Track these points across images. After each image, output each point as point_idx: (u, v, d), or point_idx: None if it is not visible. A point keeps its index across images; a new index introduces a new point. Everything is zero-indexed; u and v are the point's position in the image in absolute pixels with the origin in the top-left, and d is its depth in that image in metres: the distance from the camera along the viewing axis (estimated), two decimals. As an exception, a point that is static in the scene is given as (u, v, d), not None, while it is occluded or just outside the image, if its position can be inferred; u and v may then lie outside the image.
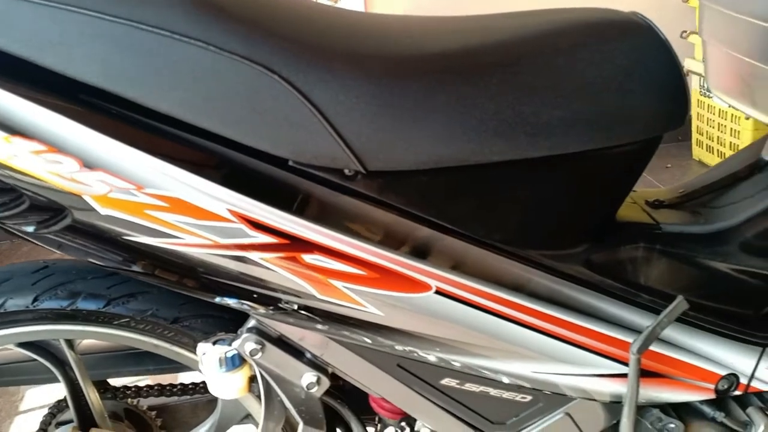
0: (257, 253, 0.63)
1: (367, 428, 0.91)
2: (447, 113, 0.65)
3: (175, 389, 0.97)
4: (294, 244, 0.64)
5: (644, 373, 0.80)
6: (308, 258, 0.64)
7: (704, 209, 0.86)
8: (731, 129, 2.66)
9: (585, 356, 0.77)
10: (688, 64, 2.71)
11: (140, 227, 0.61)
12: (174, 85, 0.59)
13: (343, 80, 0.62)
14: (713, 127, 2.79)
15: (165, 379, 1.03)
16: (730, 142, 2.69)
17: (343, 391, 0.88)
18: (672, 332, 0.79)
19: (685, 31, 2.66)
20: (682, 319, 0.79)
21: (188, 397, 1.01)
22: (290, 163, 0.64)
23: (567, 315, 0.75)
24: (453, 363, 0.76)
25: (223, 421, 0.92)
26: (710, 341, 0.81)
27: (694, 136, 2.96)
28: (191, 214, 0.61)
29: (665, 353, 0.80)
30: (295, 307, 0.71)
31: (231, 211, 0.61)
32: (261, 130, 0.62)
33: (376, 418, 0.92)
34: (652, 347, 0.79)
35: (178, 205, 0.61)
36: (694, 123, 2.92)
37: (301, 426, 0.78)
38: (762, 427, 0.83)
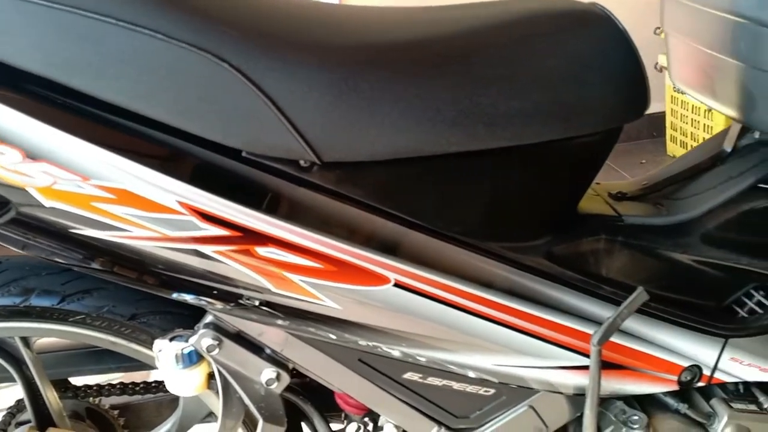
0: (209, 246, 0.62)
1: (335, 424, 0.91)
2: (403, 103, 0.64)
3: (138, 388, 0.95)
4: (247, 237, 0.63)
5: (607, 365, 0.80)
6: (262, 251, 0.63)
7: (667, 201, 0.86)
8: (704, 125, 2.69)
9: (547, 348, 0.76)
10: (661, 60, 2.73)
11: (87, 220, 0.60)
12: (120, 73, 0.58)
13: (296, 69, 0.61)
14: (687, 123, 2.81)
15: (128, 377, 1.01)
16: (703, 138, 2.71)
17: (308, 387, 0.88)
18: (634, 324, 0.79)
19: (659, 28, 2.68)
20: (644, 311, 0.79)
21: (152, 395, 0.99)
22: (244, 154, 0.63)
23: (528, 307, 0.74)
24: (415, 357, 0.75)
25: (185, 420, 0.90)
26: (672, 333, 0.81)
27: (668, 132, 2.98)
28: (139, 206, 0.59)
29: (628, 345, 0.79)
30: (256, 303, 0.69)
31: (181, 203, 0.60)
32: (212, 120, 0.60)
33: (343, 415, 0.91)
34: (615, 339, 0.79)
35: (125, 197, 0.59)
36: (668, 119, 2.94)
37: (260, 423, 0.76)
38: (725, 418, 0.83)
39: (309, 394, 0.87)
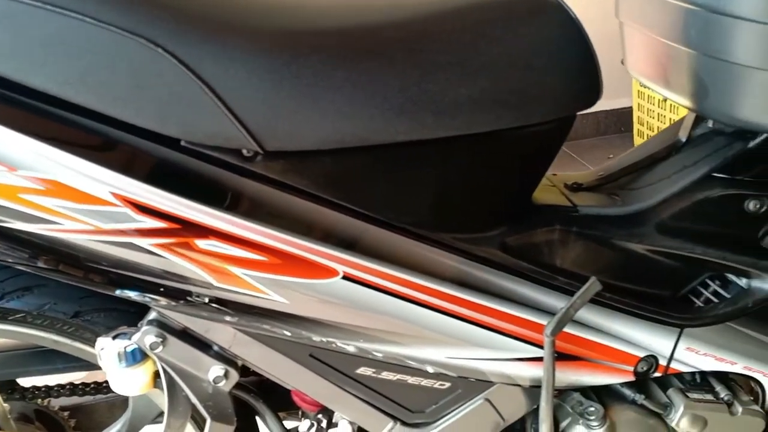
0: (145, 239, 0.60)
1: (294, 421, 0.89)
2: (348, 90, 0.62)
3: (88, 388, 0.92)
4: (187, 229, 0.60)
5: (563, 357, 0.79)
6: (203, 244, 0.61)
7: (622, 191, 0.86)
8: (670, 119, 2.71)
9: (501, 340, 0.75)
10: (628, 55, 2.74)
11: (14, 212, 0.57)
12: (48, 59, 0.55)
13: (234, 54, 0.59)
14: (653, 118, 2.84)
15: (81, 377, 0.98)
16: (670, 133, 2.73)
17: (263, 384, 0.86)
18: (590, 315, 0.78)
19: (625, 23, 2.69)
20: (600, 302, 0.79)
21: (103, 396, 0.97)
22: (182, 143, 0.61)
23: (482, 298, 0.73)
24: (369, 351, 0.74)
25: (135, 420, 0.88)
26: (628, 323, 0.80)
27: (636, 126, 3.00)
28: (70, 197, 0.57)
29: (583, 336, 0.79)
30: (206, 300, 0.67)
31: (114, 194, 0.58)
32: (146, 108, 0.58)
33: (300, 412, 0.89)
34: (570, 330, 0.78)
35: (55, 188, 0.56)
36: (635, 114, 2.97)
37: (209, 422, 0.74)
38: (681, 408, 0.83)
39: (263, 391, 0.85)
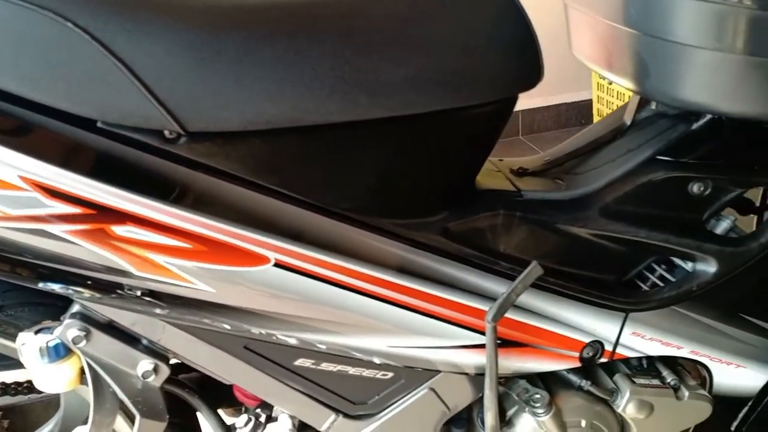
0: (58, 225, 0.56)
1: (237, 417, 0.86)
2: (276, 68, 0.60)
3: (21, 387, 0.88)
4: (102, 215, 0.57)
5: (508, 343, 0.78)
6: (120, 230, 0.58)
7: (567, 176, 0.85)
8: (628, 111, 2.74)
9: (444, 328, 0.73)
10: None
11: None
12: (-56, 33, 0.51)
13: (150, 29, 0.56)
14: (612, 109, 2.86)
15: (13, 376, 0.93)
16: (628, 124, 2.76)
17: (202, 378, 0.82)
18: (534, 300, 0.77)
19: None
20: (544, 287, 0.77)
21: (38, 396, 0.92)
22: (99, 124, 0.58)
23: (423, 285, 0.71)
24: (305, 342, 0.71)
25: (68, 420, 0.84)
26: (573, 308, 0.79)
27: (596, 118, 3.03)
28: (-27, 181, 0.53)
29: (528, 322, 0.77)
30: (138, 293, 0.64)
31: (23, 178, 0.54)
32: (58, 87, 0.55)
33: (243, 408, 0.86)
34: (514, 316, 0.76)
35: (-44, 172, 0.53)
36: (595, 106, 2.99)
37: (138, 419, 0.71)
38: (628, 394, 0.82)
39: (204, 386, 0.82)
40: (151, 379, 0.69)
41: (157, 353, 0.70)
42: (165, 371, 0.70)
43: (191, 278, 0.61)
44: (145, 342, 0.70)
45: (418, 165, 0.71)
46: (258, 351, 0.71)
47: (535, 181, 0.84)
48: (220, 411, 0.86)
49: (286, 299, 0.66)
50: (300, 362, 0.73)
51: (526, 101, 3.01)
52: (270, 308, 0.67)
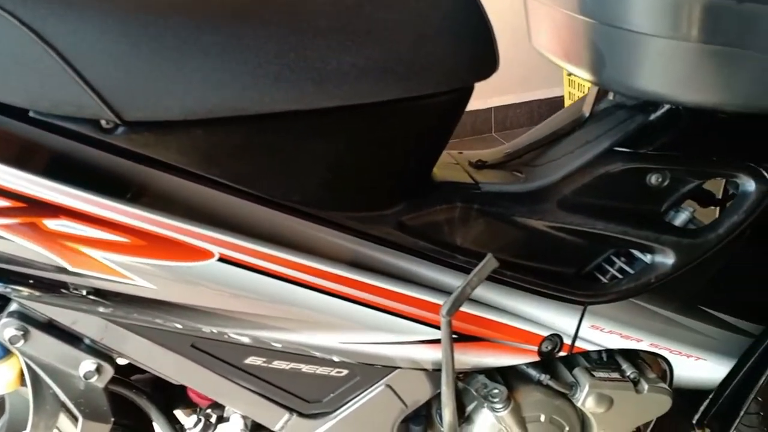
0: (-16, 219, 0.54)
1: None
2: (217, 55, 0.57)
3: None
4: (33, 208, 0.55)
5: (465, 338, 0.77)
6: (52, 224, 0.55)
7: (526, 168, 0.83)
8: (598, 106, 2.75)
9: (398, 323, 0.72)
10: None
11: None
12: None
13: (83, 14, 0.53)
14: (583, 106, 2.87)
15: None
16: (598, 120, 2.77)
17: (154, 378, 0.80)
18: (491, 294, 0.76)
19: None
20: (501, 280, 0.76)
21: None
22: (31, 113, 0.55)
23: (377, 280, 0.70)
24: (256, 340, 0.69)
25: (15, 422, 0.81)
26: (531, 302, 0.78)
27: (567, 115, 3.03)
28: None
29: (485, 316, 0.76)
30: (84, 293, 0.62)
31: (-54, 170, 0.51)
32: None
33: (198, 409, 0.84)
34: (471, 310, 0.75)
35: None
36: (566, 102, 3.00)
37: (81, 421, 0.68)
38: (587, 388, 0.82)
39: (154, 386, 0.80)
40: (93, 379, 0.67)
41: (101, 353, 0.68)
42: (109, 371, 0.68)
43: (130, 274, 0.59)
44: (87, 341, 0.67)
45: (370, 156, 0.69)
46: (206, 349, 0.69)
47: (493, 174, 0.82)
48: (178, 412, 0.84)
49: (233, 295, 0.64)
50: (251, 360, 0.71)
51: (498, 98, 3.02)
52: (216, 305, 0.65)
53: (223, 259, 0.62)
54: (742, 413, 0.88)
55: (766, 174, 0.81)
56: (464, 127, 2.90)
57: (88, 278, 0.59)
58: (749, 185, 0.82)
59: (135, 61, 0.55)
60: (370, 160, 0.70)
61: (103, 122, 0.57)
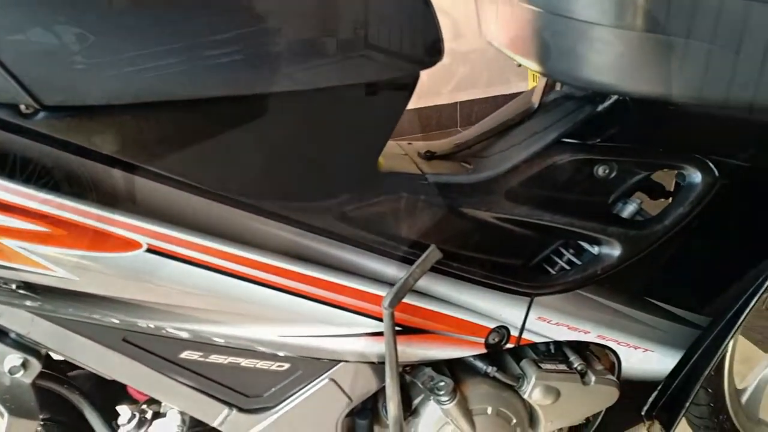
0: None
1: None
2: (144, 37, 0.55)
3: None
4: (-58, 196, 0.52)
5: (410, 330, 0.75)
6: (-36, 212, 0.53)
7: (474, 159, 0.82)
8: (563, 101, 2.76)
9: (340, 315, 0.70)
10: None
11: None
12: None
13: (-5, -7, 0.50)
14: (548, 100, 2.88)
15: None
16: (563, 114, 2.78)
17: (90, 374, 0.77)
18: (436, 286, 0.75)
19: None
20: (447, 272, 0.75)
21: None
22: (-58, 97, 0.52)
23: (317, 272, 0.68)
24: (191, 333, 0.67)
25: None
26: (477, 294, 0.77)
27: (533, 109, 3.04)
28: None
29: (430, 308, 0.75)
30: (13, 285, 0.59)
31: None
32: None
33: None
34: (417, 302, 0.74)
35: None
36: (533, 97, 3.00)
37: (6, 417, 0.66)
38: (533, 380, 0.81)
39: (90, 381, 0.77)
40: (19, 374, 0.64)
41: (27, 347, 0.65)
42: (36, 367, 0.65)
43: (50, 265, 0.56)
44: (13, 335, 0.64)
45: (310, 145, 0.68)
46: (139, 344, 0.67)
47: (441, 165, 0.81)
48: (122, 408, 0.81)
49: (165, 288, 0.62)
50: (186, 355, 0.69)
51: (464, 93, 3.01)
52: (147, 298, 0.63)
53: (151, 250, 0.59)
54: (688, 404, 0.88)
55: (712, 165, 0.81)
56: (429, 122, 2.89)
57: (4, 270, 0.56)
58: (696, 177, 0.82)
59: (54, 44, 0.52)
60: (310, 149, 0.68)
61: (22, 107, 0.54)
